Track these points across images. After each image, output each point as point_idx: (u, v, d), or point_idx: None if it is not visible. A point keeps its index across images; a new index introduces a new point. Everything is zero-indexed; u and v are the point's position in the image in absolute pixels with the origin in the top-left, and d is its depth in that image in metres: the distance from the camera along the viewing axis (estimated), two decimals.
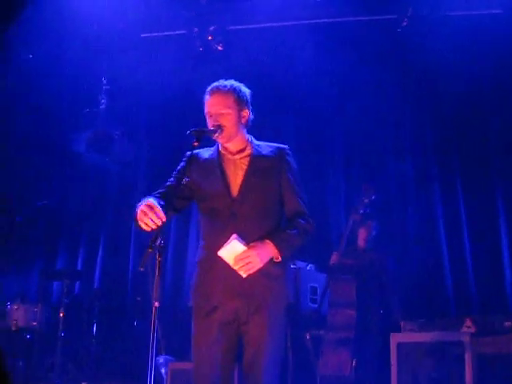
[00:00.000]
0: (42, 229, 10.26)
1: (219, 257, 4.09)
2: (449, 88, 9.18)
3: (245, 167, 4.28)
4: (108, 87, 10.18)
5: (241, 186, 4.23)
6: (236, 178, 4.27)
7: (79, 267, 10.57)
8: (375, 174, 9.46)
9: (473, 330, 6.52)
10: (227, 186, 4.24)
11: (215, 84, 4.36)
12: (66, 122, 10.19)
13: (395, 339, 6.43)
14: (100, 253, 10.61)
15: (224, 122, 4.26)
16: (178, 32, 9.88)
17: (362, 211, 7.46)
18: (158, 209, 3.91)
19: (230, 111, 4.29)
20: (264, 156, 4.33)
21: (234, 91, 4.34)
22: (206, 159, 4.36)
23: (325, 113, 9.90)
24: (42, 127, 9.91)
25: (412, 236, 9.16)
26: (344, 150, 9.94)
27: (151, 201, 3.98)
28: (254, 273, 4.06)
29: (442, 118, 9.41)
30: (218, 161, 4.34)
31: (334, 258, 7.73)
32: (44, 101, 9.67)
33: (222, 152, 4.38)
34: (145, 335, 3.87)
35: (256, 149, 4.35)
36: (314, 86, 9.65)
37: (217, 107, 4.27)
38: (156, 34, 10.06)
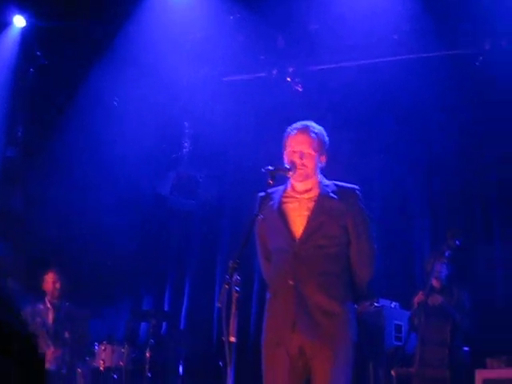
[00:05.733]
0: (129, 270, 10.43)
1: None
2: None
3: (311, 207, 4.32)
4: (191, 131, 10.36)
5: (305, 226, 4.27)
6: (301, 217, 4.31)
7: (165, 308, 10.71)
8: (460, 214, 9.34)
9: None
10: (288, 225, 4.30)
11: (305, 123, 4.50)
12: (151, 166, 10.39)
13: (481, 376, 6.31)
14: (186, 294, 10.73)
15: (306, 162, 4.34)
16: (257, 75, 10.00)
17: (447, 254, 7.37)
18: None
19: (313, 153, 4.40)
20: (331, 197, 4.36)
21: (322, 136, 4.49)
22: (272, 199, 4.43)
23: (407, 152, 9.83)
24: (125, 171, 10.12)
25: (499, 271, 8.98)
26: (429, 190, 9.82)
27: None
28: (316, 311, 4.11)
29: None
30: (279, 200, 4.40)
31: (420, 297, 7.64)
32: (127, 144, 9.89)
33: (289, 191, 4.43)
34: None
35: (324, 189, 4.39)
36: (395, 125, 9.64)
37: (304, 146, 4.38)
38: (236, 77, 10.21)
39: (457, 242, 7.25)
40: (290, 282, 4.18)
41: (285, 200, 4.42)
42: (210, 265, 10.50)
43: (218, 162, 10.73)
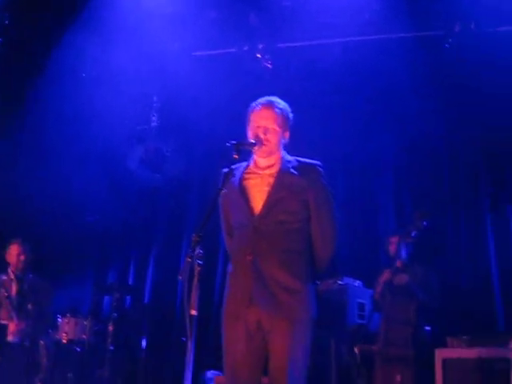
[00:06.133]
0: (93, 243, 10.39)
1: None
2: (498, 104, 9.06)
3: (271, 182, 4.33)
4: (159, 105, 10.31)
5: (265, 200, 4.28)
6: (262, 193, 4.32)
7: (130, 282, 10.71)
8: (427, 195, 9.41)
9: None
10: (248, 201, 4.31)
11: (270, 99, 4.49)
12: (118, 139, 10.33)
13: (440, 355, 6.36)
14: (150, 268, 10.73)
15: (270, 137, 4.34)
16: (228, 50, 9.96)
17: (413, 234, 7.44)
18: None
19: (278, 129, 4.39)
20: (291, 172, 4.36)
21: (286, 112, 4.48)
22: (235, 175, 4.43)
23: (373, 132, 9.86)
24: (93, 143, 10.08)
25: (461, 250, 9.08)
26: (394, 169, 9.87)
27: None
28: (275, 287, 4.12)
29: (493, 137, 9.27)
30: (241, 176, 4.41)
31: (386, 276, 7.70)
32: (96, 117, 9.84)
33: (252, 167, 4.44)
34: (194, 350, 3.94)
35: (285, 165, 4.40)
36: (362, 105, 9.66)
37: (268, 121, 4.37)
38: (207, 52, 10.16)
39: (424, 223, 7.33)
40: (248, 257, 4.19)
41: (246, 176, 4.42)
42: (176, 239, 10.49)
43: (186, 136, 10.70)
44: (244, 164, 4.49)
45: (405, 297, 7.60)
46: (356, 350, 7.21)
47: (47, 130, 9.91)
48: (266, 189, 4.32)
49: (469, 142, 9.40)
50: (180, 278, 3.78)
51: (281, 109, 4.43)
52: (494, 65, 8.64)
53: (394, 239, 8.11)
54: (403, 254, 7.93)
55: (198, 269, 3.87)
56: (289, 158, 4.46)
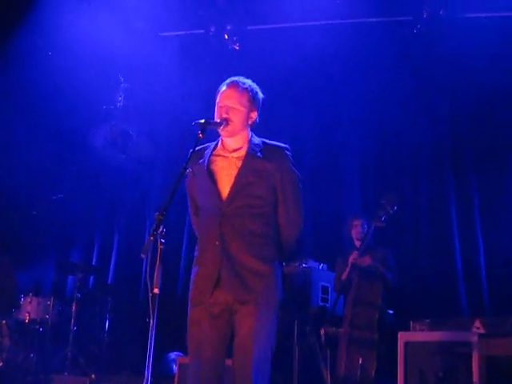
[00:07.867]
0: (57, 223, 10.32)
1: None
2: (464, 90, 9.14)
3: (239, 166, 4.28)
4: (126, 85, 10.23)
5: (232, 185, 4.23)
6: (229, 177, 4.26)
7: (94, 262, 10.66)
8: (389, 173, 9.48)
9: (482, 331, 6.48)
10: (216, 185, 4.26)
11: (235, 78, 4.41)
12: (84, 118, 10.25)
13: (403, 338, 6.41)
14: (114, 248, 10.70)
15: (233, 116, 4.28)
16: (195, 31, 9.92)
17: (383, 219, 7.46)
18: None
19: (241, 108, 4.32)
20: (258, 156, 4.29)
21: (251, 91, 4.38)
22: (203, 156, 4.38)
23: (341, 116, 9.90)
24: (59, 122, 9.99)
25: (425, 236, 9.15)
26: (361, 154, 9.91)
27: None
28: (242, 270, 4.11)
29: (460, 123, 9.35)
30: (209, 159, 4.35)
31: (355, 257, 7.71)
32: (62, 97, 9.75)
33: (219, 149, 4.39)
34: (157, 331, 3.91)
35: (252, 148, 4.32)
36: (330, 89, 9.67)
37: (230, 101, 4.31)
38: (174, 32, 10.10)
39: (395, 208, 7.40)
40: (217, 243, 4.15)
41: (214, 158, 4.35)
42: (140, 219, 10.48)
43: (152, 116, 10.65)
44: (211, 145, 4.44)
45: (372, 279, 7.63)
46: (322, 331, 7.23)
47: (13, 109, 9.82)
48: (234, 173, 4.25)
49: (435, 126, 9.47)
50: (142, 256, 3.74)
51: (246, 88, 4.36)
52: (461, 50, 8.70)
53: (357, 222, 8.16)
54: (363, 234, 7.97)
55: (161, 247, 3.84)
56: (256, 140, 4.39)
